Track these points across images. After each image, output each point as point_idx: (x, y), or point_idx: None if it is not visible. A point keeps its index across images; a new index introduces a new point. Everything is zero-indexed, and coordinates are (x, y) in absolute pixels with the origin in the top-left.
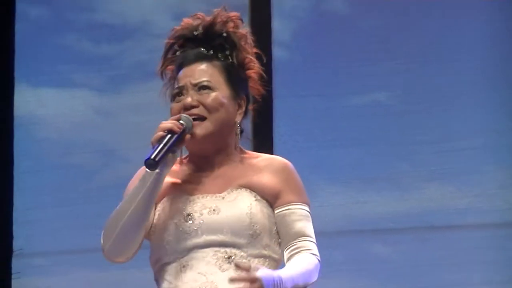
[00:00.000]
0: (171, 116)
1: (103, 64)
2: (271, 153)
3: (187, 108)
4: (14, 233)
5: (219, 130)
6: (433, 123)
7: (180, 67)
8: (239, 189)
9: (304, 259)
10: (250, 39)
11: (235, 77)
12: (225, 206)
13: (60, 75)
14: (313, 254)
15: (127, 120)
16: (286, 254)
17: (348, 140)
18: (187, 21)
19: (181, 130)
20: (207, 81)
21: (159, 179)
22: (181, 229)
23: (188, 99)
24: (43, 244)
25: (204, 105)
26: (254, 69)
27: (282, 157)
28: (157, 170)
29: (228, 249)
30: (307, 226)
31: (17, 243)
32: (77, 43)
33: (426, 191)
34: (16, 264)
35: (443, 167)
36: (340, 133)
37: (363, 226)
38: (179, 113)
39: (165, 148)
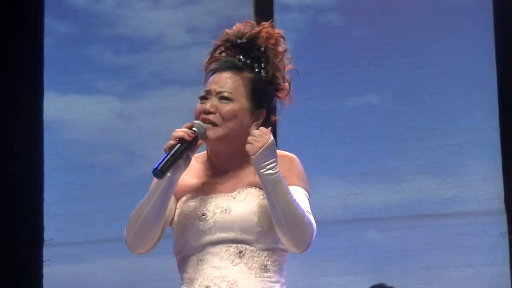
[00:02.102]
0: (194, 115)
1: (124, 73)
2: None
3: (205, 112)
4: (45, 225)
5: (230, 137)
6: (420, 122)
7: (213, 71)
8: (248, 188)
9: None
10: (287, 57)
11: (260, 91)
12: (236, 205)
13: (85, 83)
14: (307, 211)
15: (145, 123)
16: None
17: (343, 138)
18: (238, 26)
19: (192, 138)
20: (228, 92)
21: (172, 182)
22: (196, 227)
23: (208, 105)
24: (71, 234)
25: (220, 114)
26: (281, 88)
27: None
28: (169, 174)
29: (239, 245)
30: (304, 202)
31: (47, 234)
32: (100, 54)
33: (414, 183)
34: (46, 253)
35: (430, 162)
36: (336, 132)
37: (358, 215)
38: (200, 114)
39: (173, 157)
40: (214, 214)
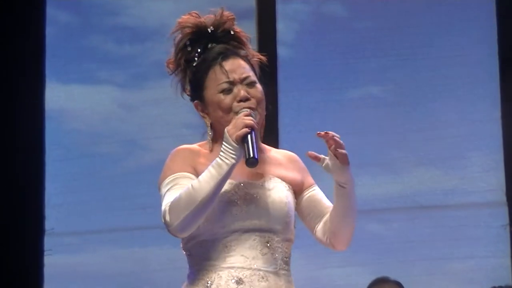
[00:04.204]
0: (220, 108)
1: (126, 62)
2: (277, 141)
3: (243, 100)
4: (46, 215)
5: (261, 120)
6: (421, 113)
7: (215, 61)
8: (274, 178)
9: None
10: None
11: (255, 71)
12: (266, 194)
13: (87, 73)
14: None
15: (147, 113)
16: (321, 223)
17: (345, 129)
18: (193, 18)
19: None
20: (251, 76)
21: (234, 167)
22: (228, 211)
23: (243, 92)
24: (73, 224)
25: (255, 98)
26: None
27: (287, 144)
28: (234, 161)
29: (266, 234)
30: (327, 199)
31: (49, 224)
32: (102, 44)
33: (415, 174)
34: (48, 242)
35: (431, 153)
36: (338, 123)
37: (359, 207)
38: (231, 105)
39: (255, 143)
40: (245, 199)
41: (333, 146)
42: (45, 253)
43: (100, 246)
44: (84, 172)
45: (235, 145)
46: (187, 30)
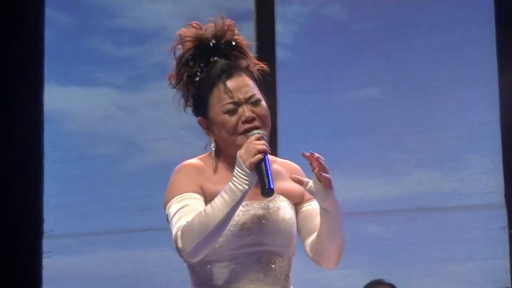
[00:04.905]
0: (225, 128)
1: (124, 64)
2: (276, 143)
3: (248, 121)
4: (45, 217)
5: (267, 136)
6: (420, 115)
7: (219, 79)
8: (278, 197)
9: None
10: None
11: (258, 84)
12: (272, 216)
13: (86, 74)
14: None
15: (146, 115)
16: (310, 238)
17: (344, 131)
18: (194, 30)
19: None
20: (256, 94)
21: (246, 193)
22: (234, 234)
23: (248, 113)
24: (71, 226)
25: (260, 117)
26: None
27: (286, 146)
28: (247, 188)
29: (272, 256)
30: None
31: (47, 226)
32: (101, 46)
33: (415, 176)
34: (46, 244)
35: (430, 155)
36: (337, 125)
37: (358, 209)
38: (237, 125)
39: (269, 170)
40: (252, 222)
41: (316, 169)
42: (44, 255)
43: (99, 248)
44: (83, 174)
45: (248, 171)
46: (189, 45)
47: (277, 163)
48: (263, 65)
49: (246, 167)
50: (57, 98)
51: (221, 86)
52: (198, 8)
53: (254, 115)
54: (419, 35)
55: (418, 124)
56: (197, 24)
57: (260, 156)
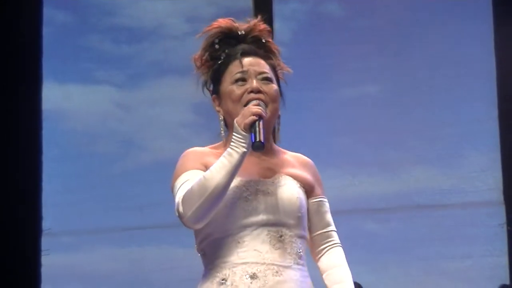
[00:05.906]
0: (231, 98)
1: (123, 62)
2: (273, 140)
3: (254, 91)
4: (43, 215)
5: (273, 118)
6: (418, 113)
7: (236, 56)
8: (285, 176)
9: (344, 264)
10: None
11: (278, 80)
12: (278, 189)
13: (84, 73)
14: (340, 245)
15: (144, 113)
16: (316, 238)
17: (342, 128)
18: (226, 20)
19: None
20: (269, 73)
21: (245, 156)
22: (240, 207)
23: (256, 84)
24: (70, 224)
25: (268, 94)
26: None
27: (284, 143)
28: (245, 150)
29: (279, 228)
30: (331, 218)
31: (46, 223)
32: (99, 44)
33: (412, 174)
34: (45, 242)
35: (429, 152)
36: (335, 122)
37: (356, 206)
38: (242, 95)
39: (263, 130)
40: (257, 195)
41: None
42: (43, 252)
43: (97, 246)
44: (81, 172)
45: (244, 133)
46: (218, 30)
47: (289, 155)
48: (289, 69)
49: (242, 129)
50: (56, 96)
51: (236, 62)
52: (196, 6)
53: (261, 88)
54: (417, 33)
55: (416, 122)
56: (232, 20)
57: (253, 117)
